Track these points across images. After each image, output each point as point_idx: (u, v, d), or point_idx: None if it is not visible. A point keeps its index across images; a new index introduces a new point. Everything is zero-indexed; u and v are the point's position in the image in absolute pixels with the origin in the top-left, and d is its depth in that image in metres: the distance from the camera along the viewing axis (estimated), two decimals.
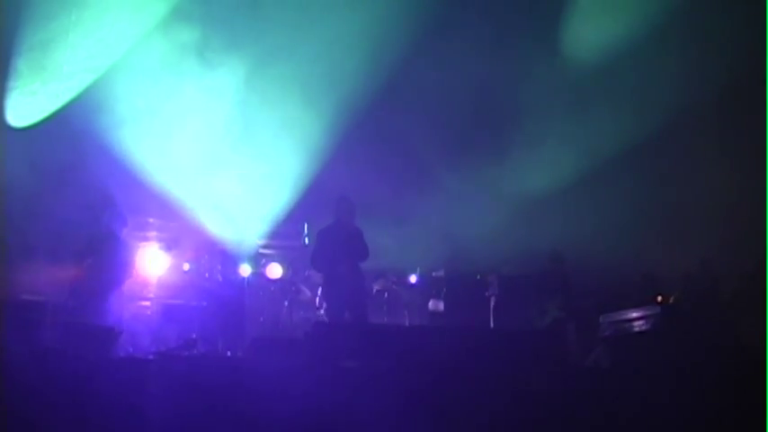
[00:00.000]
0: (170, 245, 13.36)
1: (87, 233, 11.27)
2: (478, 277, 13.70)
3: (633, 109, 13.85)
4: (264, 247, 14.21)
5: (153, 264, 12.71)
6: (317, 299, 13.10)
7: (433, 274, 14.04)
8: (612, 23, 13.98)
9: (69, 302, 10.55)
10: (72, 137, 12.36)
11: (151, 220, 13.66)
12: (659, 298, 11.84)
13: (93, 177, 12.32)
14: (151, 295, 12.51)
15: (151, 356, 10.22)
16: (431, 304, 13.84)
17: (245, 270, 13.29)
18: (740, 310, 10.96)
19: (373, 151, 14.24)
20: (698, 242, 13.02)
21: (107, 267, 10.82)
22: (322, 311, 12.89)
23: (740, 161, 13.19)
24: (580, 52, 14.18)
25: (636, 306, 10.57)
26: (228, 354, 11.79)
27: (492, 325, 12.97)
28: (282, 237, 14.18)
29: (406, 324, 13.38)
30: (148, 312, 12.11)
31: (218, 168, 13.39)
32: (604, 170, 13.88)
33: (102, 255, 10.86)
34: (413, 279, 14.05)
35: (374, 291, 13.57)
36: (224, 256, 13.97)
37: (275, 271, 13.54)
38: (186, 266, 13.20)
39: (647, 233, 13.72)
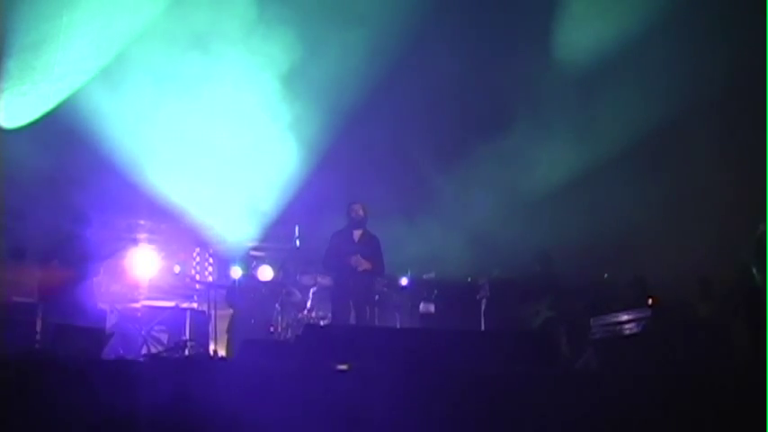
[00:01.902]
0: (161, 246, 13.36)
1: (52, 235, 11.32)
2: (469, 280, 13.71)
3: (623, 111, 13.83)
4: (255, 249, 14.19)
5: (144, 265, 12.70)
6: (308, 301, 13.12)
7: (424, 276, 14.02)
8: (604, 24, 13.97)
9: (43, 304, 10.59)
10: (62, 138, 12.33)
11: (142, 221, 13.65)
12: (650, 300, 11.83)
13: (83, 179, 12.30)
14: (142, 297, 12.50)
15: (142, 358, 10.24)
16: (422, 307, 13.82)
17: (236, 272, 13.27)
18: (733, 313, 10.95)
19: (365, 153, 14.23)
20: (691, 244, 13.01)
21: (71, 268, 10.84)
22: (314, 314, 12.94)
23: (737, 163, 13.17)
24: (574, 53, 14.16)
25: (627, 308, 10.60)
26: (219, 356, 11.79)
27: (483, 327, 12.98)
28: (274, 239, 14.17)
29: (397, 326, 13.37)
30: (139, 314, 12.10)
31: (210, 170, 13.37)
32: (596, 172, 13.89)
33: (66, 256, 10.89)
34: (403, 281, 14.01)
35: None
36: (215, 258, 13.97)
37: (266, 273, 13.51)
38: (177, 268, 13.19)
39: (639, 234, 13.73)
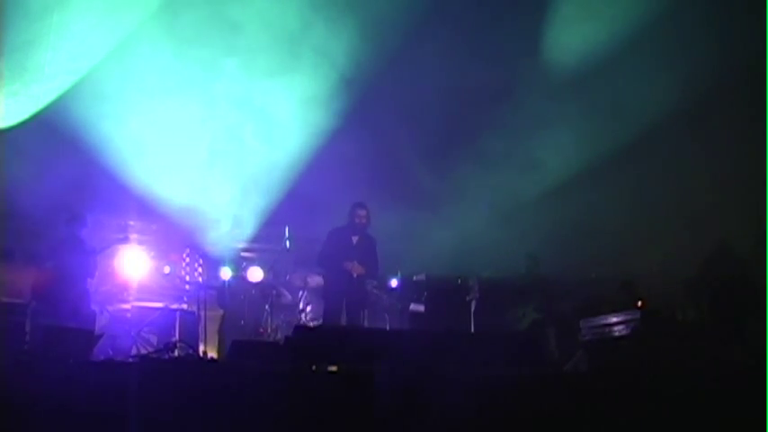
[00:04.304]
0: (151, 247, 13.34)
1: (49, 236, 11.32)
2: (459, 281, 13.70)
3: (614, 114, 13.85)
4: (245, 250, 14.19)
5: (133, 266, 12.68)
6: (298, 303, 13.12)
7: (414, 277, 14.02)
8: (595, 27, 13.99)
9: (36, 305, 10.57)
10: (54, 138, 12.31)
11: (132, 222, 13.63)
12: (639, 303, 11.85)
13: (74, 179, 12.28)
14: (131, 298, 12.48)
15: (131, 359, 10.23)
16: (411, 308, 13.83)
17: (226, 273, 13.25)
18: (724, 315, 10.97)
19: (354, 154, 14.23)
20: (683, 245, 13.02)
21: (67, 269, 10.86)
22: (303, 315, 12.94)
23: (730, 164, 13.17)
24: (563, 54, 14.17)
25: (616, 310, 10.61)
26: (209, 357, 11.77)
27: (473, 328, 12.99)
28: (263, 240, 14.17)
29: (387, 328, 13.37)
30: (129, 315, 12.08)
31: (200, 171, 13.36)
32: (584, 174, 13.91)
33: (62, 257, 10.90)
34: (393, 283, 14.00)
35: None
36: (205, 259, 13.95)
37: (256, 274, 13.50)
38: (167, 269, 13.17)
39: (629, 236, 13.75)
